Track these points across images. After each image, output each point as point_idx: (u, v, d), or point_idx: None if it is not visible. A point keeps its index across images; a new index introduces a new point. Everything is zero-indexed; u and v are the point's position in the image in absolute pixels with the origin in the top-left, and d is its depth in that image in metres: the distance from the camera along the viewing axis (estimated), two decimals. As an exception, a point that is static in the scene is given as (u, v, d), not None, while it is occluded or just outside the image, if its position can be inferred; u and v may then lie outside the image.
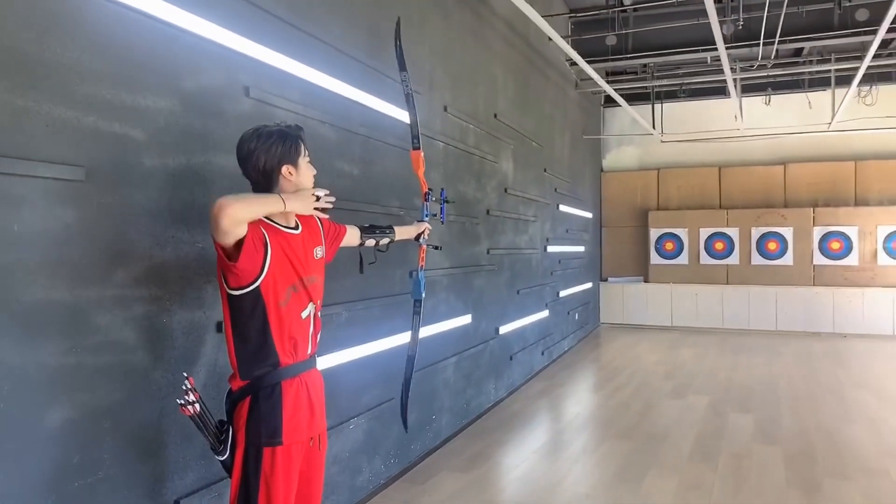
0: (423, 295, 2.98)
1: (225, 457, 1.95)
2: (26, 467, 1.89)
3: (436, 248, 3.28)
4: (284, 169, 2.04)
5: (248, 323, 1.95)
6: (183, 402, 1.82)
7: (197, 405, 1.85)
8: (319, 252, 2.19)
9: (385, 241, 2.71)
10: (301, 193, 2.04)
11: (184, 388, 1.85)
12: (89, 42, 2.07)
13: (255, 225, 1.90)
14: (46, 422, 1.95)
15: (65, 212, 1.99)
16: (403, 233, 2.83)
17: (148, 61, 2.28)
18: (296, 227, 2.10)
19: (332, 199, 2.12)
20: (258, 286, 1.92)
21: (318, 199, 2.06)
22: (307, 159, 2.13)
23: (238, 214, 1.81)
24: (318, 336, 2.17)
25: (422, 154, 3.02)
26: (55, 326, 1.97)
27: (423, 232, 2.93)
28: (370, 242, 2.64)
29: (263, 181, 2.05)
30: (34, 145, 1.91)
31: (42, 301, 1.93)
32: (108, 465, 2.13)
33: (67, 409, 2.00)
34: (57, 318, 1.97)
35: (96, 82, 2.09)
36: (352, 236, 2.55)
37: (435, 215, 3.09)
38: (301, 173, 2.08)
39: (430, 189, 3.01)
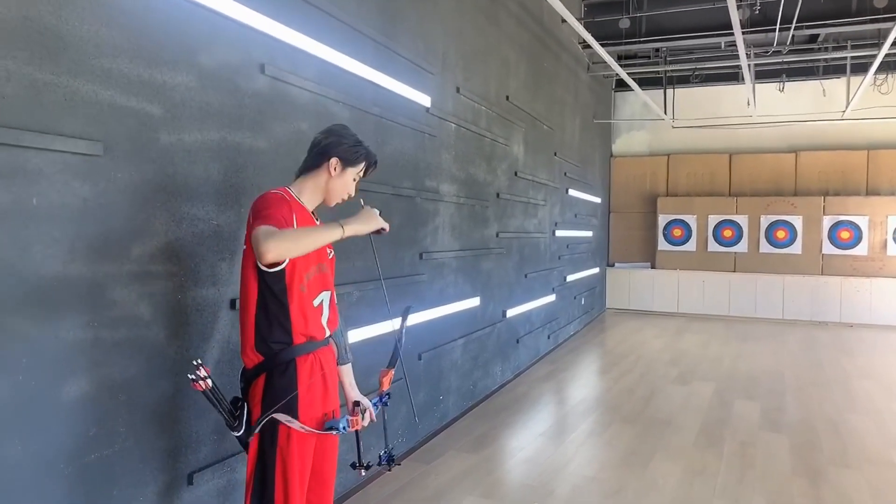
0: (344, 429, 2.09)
1: (240, 432, 1.96)
2: (44, 438, 1.92)
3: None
4: (334, 160, 2.07)
5: (271, 300, 1.97)
6: (194, 377, 1.84)
7: (208, 380, 1.86)
8: (331, 252, 2.21)
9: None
10: (366, 214, 1.97)
11: (195, 363, 1.86)
12: (107, 15, 2.06)
13: (288, 207, 1.93)
14: (64, 394, 1.97)
15: (82, 186, 1.99)
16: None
17: (164, 36, 2.26)
18: (317, 219, 2.12)
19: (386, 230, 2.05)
20: (285, 266, 1.95)
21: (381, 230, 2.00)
22: (357, 178, 2.14)
23: (284, 255, 1.82)
24: (335, 325, 2.19)
25: (392, 373, 2.28)
26: (73, 300, 1.98)
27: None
28: None
29: (311, 160, 2.10)
30: (52, 119, 1.91)
31: (60, 275, 1.94)
32: (123, 439, 2.15)
33: (84, 383, 2.02)
34: (74, 292, 1.98)
35: (114, 56, 2.08)
36: None
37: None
38: (342, 179, 2.10)
39: (388, 393, 2.28)
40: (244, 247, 2.02)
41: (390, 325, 3.71)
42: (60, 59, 1.92)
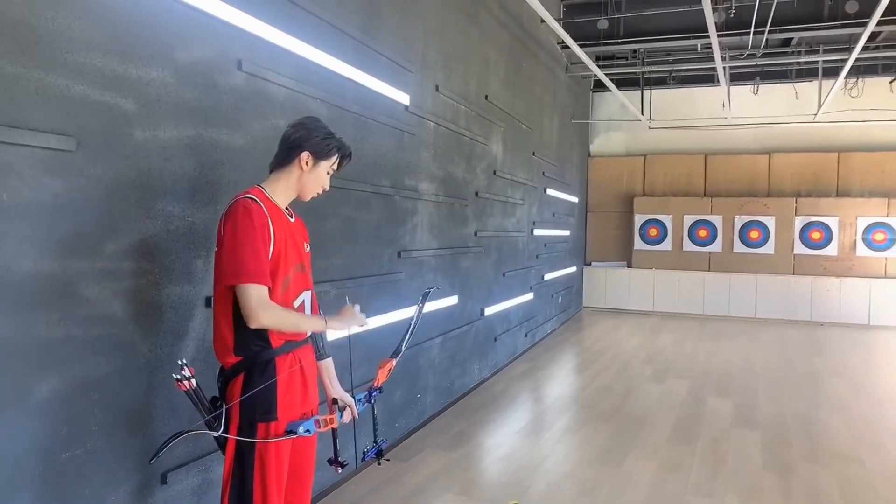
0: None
1: (219, 432, 1.95)
2: (14, 438, 1.88)
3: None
4: (305, 154, 2.04)
5: None
6: (179, 377, 1.82)
7: (193, 380, 1.84)
8: (307, 247, 2.19)
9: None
10: (348, 314, 2.10)
11: (179, 363, 1.84)
12: (80, 8, 2.03)
13: (265, 225, 1.92)
14: (34, 393, 1.93)
15: (54, 182, 1.96)
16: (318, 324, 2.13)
17: (139, 30, 2.23)
18: (291, 216, 2.11)
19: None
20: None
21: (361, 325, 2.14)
22: (330, 172, 2.12)
23: (270, 326, 1.93)
24: None
25: (393, 363, 2.36)
26: (44, 298, 1.95)
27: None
28: None
29: (281, 154, 2.07)
30: (23, 113, 1.87)
31: (31, 272, 1.91)
32: (95, 438, 2.12)
33: (56, 381, 1.99)
34: (46, 289, 1.95)
35: (87, 50, 2.05)
36: None
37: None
38: (314, 173, 2.08)
39: (380, 388, 2.34)
40: (216, 248, 1.99)
41: (369, 324, 3.71)
42: (32, 52, 1.89)
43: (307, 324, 2.05)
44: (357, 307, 2.14)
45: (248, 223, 1.89)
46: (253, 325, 1.89)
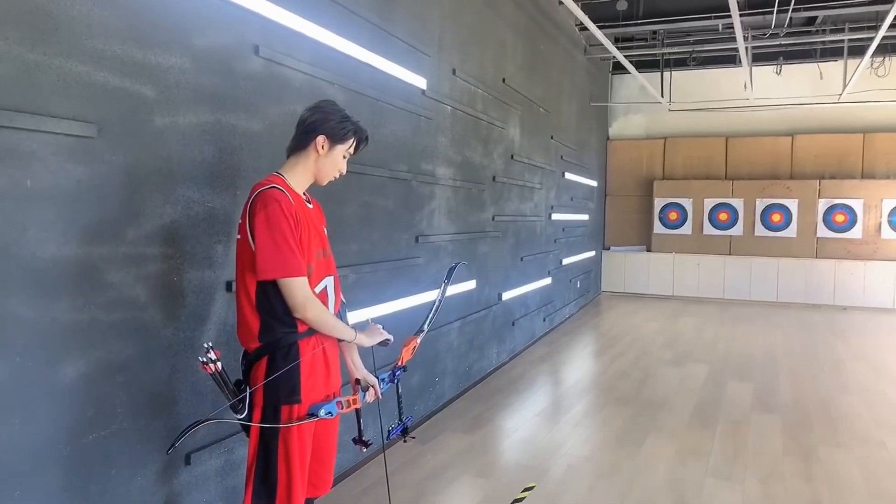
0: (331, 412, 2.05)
1: (244, 415, 1.97)
2: (42, 419, 1.93)
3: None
4: (321, 138, 2.04)
5: (274, 297, 1.96)
6: (205, 360, 1.84)
7: (219, 363, 1.87)
8: (325, 231, 2.20)
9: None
10: (372, 330, 2.19)
11: (205, 346, 1.86)
12: (99, -5, 2.04)
13: (292, 215, 1.93)
14: (61, 376, 1.98)
15: (76, 168, 1.99)
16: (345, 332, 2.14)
17: (157, 17, 2.25)
18: (309, 202, 2.12)
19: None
20: None
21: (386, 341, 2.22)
22: (346, 156, 2.13)
23: (311, 321, 1.98)
24: (338, 307, 2.20)
25: (418, 341, 2.35)
26: (68, 282, 1.98)
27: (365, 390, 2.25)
28: None
29: (298, 138, 2.07)
30: (45, 100, 1.90)
31: (55, 257, 1.94)
32: (121, 420, 2.17)
33: (81, 364, 2.03)
34: (70, 274, 1.99)
35: (107, 37, 2.07)
36: None
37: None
38: (330, 157, 2.08)
39: (404, 367, 2.33)
40: (238, 236, 2.00)
41: (386, 308, 3.74)
42: (52, 39, 1.91)
43: (340, 330, 2.08)
44: (380, 326, 2.23)
45: (281, 216, 1.90)
46: (297, 316, 1.96)
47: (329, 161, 2.08)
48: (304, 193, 2.10)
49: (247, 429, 2.02)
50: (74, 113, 1.97)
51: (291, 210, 1.93)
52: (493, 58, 5.48)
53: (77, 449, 2.03)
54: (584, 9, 6.52)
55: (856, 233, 9.55)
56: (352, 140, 2.10)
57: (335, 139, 2.06)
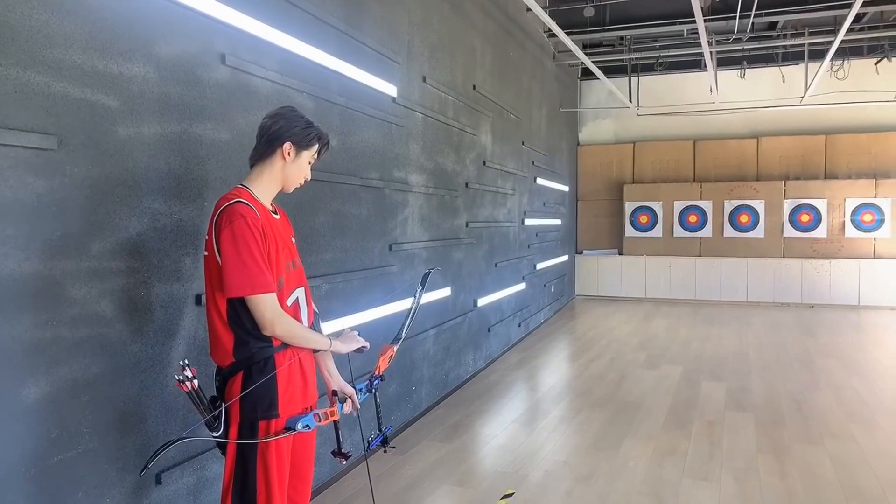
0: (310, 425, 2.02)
1: (219, 432, 1.92)
2: (4, 441, 1.86)
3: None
4: (287, 145, 2.01)
5: (244, 313, 1.92)
6: (181, 378, 1.79)
7: (195, 381, 1.82)
8: (293, 241, 2.17)
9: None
10: (348, 337, 2.15)
11: (181, 363, 1.81)
12: (57, 4, 1.99)
13: (259, 229, 1.89)
14: (23, 396, 1.91)
15: (36, 182, 1.93)
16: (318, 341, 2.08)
17: (119, 26, 2.20)
18: (276, 213, 2.08)
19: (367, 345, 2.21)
20: None
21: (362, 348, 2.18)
22: (311, 161, 2.10)
23: (282, 336, 1.95)
24: (311, 319, 2.16)
25: (394, 349, 2.31)
26: (30, 299, 1.92)
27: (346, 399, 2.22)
28: None
29: (262, 147, 2.03)
30: (2, 112, 1.84)
31: (15, 273, 1.88)
32: (87, 439, 2.10)
33: (45, 384, 1.97)
34: (32, 290, 1.92)
35: (66, 46, 2.01)
36: None
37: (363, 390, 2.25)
38: (297, 164, 2.05)
39: (381, 376, 2.30)
40: (205, 252, 1.96)
41: (361, 318, 3.70)
42: (9, 49, 1.85)
43: (314, 340, 2.04)
44: (356, 333, 2.19)
45: (248, 231, 1.86)
46: (267, 333, 1.92)
47: (296, 168, 2.06)
48: (270, 204, 2.06)
49: (222, 446, 1.96)
50: (33, 125, 1.92)
51: (258, 224, 1.89)
52: (463, 65, 5.49)
53: (42, 471, 1.96)
54: (552, 15, 6.58)
55: (821, 232, 9.77)
56: (317, 145, 2.09)
57: (301, 145, 2.04)
